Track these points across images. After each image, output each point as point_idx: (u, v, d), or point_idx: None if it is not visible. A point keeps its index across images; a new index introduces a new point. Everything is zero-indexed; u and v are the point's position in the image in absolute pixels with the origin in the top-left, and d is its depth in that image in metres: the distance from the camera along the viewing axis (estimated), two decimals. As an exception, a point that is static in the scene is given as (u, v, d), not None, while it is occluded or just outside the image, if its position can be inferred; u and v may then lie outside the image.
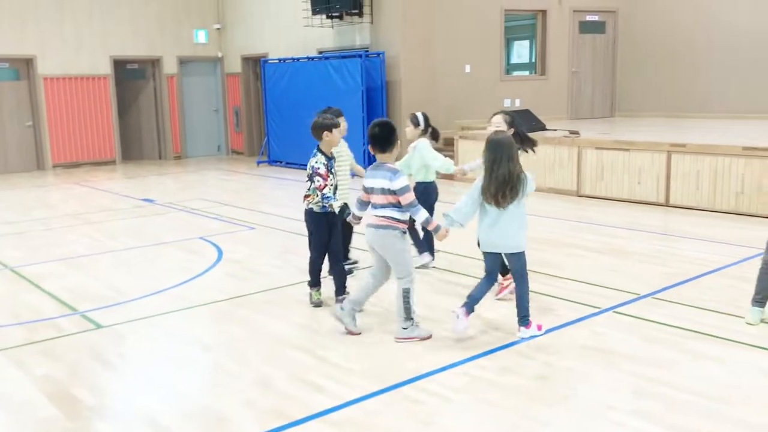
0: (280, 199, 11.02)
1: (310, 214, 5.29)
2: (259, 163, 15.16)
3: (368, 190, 4.64)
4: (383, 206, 4.54)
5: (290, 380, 4.06)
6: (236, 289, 5.90)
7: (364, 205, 4.77)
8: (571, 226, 8.17)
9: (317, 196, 5.14)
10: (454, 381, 3.98)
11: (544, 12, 14.26)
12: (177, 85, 16.70)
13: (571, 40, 14.60)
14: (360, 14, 13.07)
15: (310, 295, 5.43)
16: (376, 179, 4.55)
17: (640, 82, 14.83)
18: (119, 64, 16.00)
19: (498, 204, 4.44)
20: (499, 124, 5.20)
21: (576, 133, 10.47)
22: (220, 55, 17.22)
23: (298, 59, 14.17)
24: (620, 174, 9.67)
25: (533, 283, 5.59)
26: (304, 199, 5.29)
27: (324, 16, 13.56)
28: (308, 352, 4.48)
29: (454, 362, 4.22)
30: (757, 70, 12.94)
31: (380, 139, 4.55)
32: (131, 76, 16.51)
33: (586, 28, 14.76)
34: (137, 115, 16.84)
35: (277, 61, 14.64)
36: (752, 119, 12.76)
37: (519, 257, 4.59)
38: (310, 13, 13.63)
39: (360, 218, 4.89)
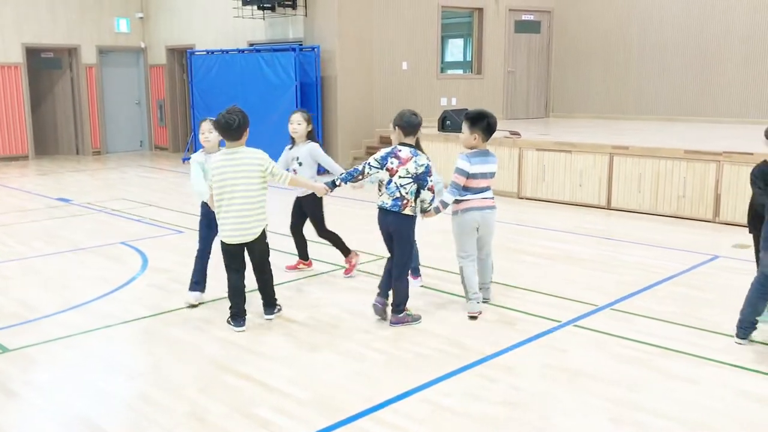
0: (209, 200, 10.38)
1: (409, 221, 4.76)
2: (185, 160, 14.40)
3: (479, 176, 4.87)
4: (488, 188, 4.99)
5: (230, 413, 3.57)
6: (164, 303, 5.33)
7: (460, 191, 4.85)
8: (514, 229, 7.91)
9: (413, 198, 4.69)
10: (415, 410, 3.58)
11: (480, 10, 14.07)
12: (96, 76, 15.74)
13: (506, 39, 14.47)
14: (293, 6, 12.55)
15: (410, 315, 4.81)
16: (489, 164, 4.93)
17: (573, 82, 14.85)
18: (32, 53, 14.93)
19: None
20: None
21: (517, 134, 10.26)
22: (143, 45, 16.34)
23: (227, 51, 13.51)
24: (562, 176, 9.51)
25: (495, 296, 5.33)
26: (404, 206, 4.68)
27: (255, 7, 12.96)
28: (249, 378, 3.99)
29: (413, 388, 3.82)
30: (688, 72, 13.10)
31: (490, 128, 4.88)
32: (46, 65, 15.46)
33: (521, 27, 14.65)
34: (52, 107, 15.78)
35: (204, 53, 13.93)
36: (684, 121, 12.93)
37: None
38: (240, 3, 13.00)
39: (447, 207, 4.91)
